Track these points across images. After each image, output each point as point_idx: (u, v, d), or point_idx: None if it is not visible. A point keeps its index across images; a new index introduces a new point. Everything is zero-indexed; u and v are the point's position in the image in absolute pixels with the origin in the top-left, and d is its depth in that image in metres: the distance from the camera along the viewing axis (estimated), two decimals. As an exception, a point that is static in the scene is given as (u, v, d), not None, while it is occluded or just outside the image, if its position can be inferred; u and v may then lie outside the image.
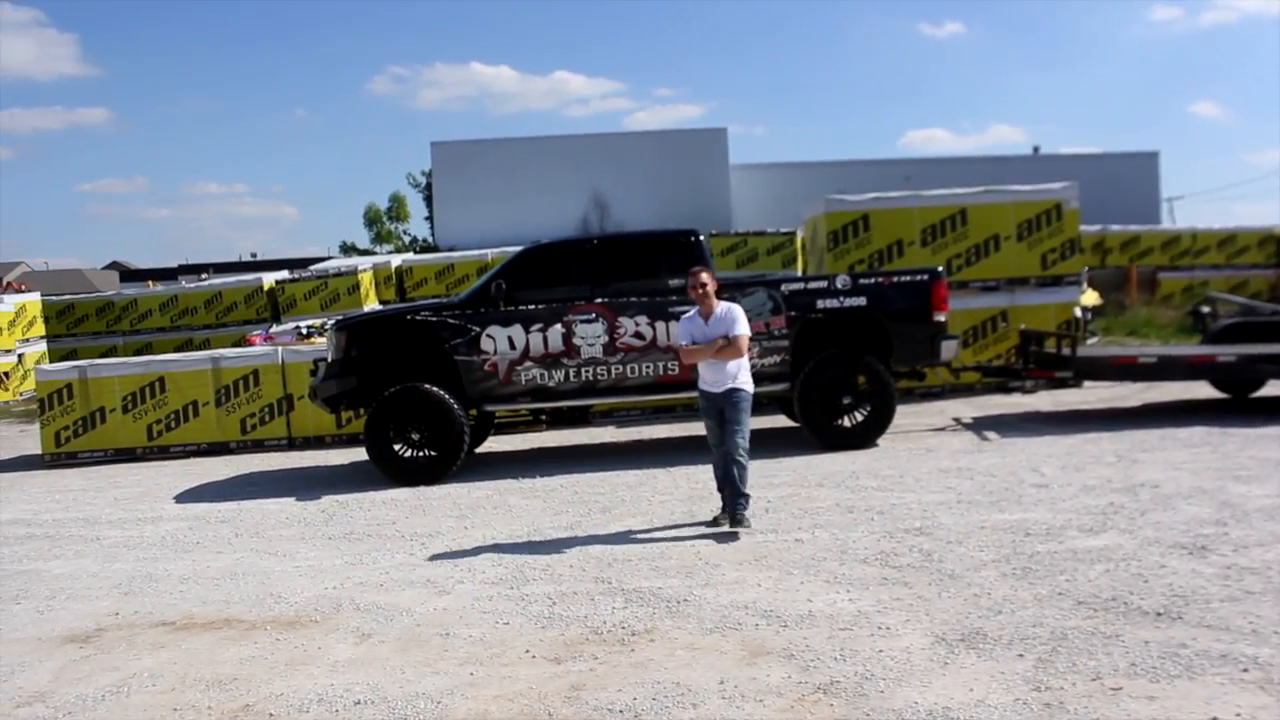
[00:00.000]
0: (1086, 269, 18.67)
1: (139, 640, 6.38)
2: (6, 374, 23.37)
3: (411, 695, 5.16)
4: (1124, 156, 41.79)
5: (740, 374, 7.98)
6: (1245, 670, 4.75)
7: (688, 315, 8.28)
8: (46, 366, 15.34)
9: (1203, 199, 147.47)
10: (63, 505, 11.04)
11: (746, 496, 7.96)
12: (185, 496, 11.06)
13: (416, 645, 5.93)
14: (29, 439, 16.18)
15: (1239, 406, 12.50)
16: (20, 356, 23.89)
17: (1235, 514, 7.45)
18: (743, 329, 7.94)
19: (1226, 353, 12.20)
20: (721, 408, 7.99)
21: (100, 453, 14.04)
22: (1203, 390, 13.22)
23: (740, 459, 7.84)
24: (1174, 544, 6.81)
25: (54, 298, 28.30)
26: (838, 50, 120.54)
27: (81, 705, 5.37)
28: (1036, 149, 47.43)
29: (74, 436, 14.07)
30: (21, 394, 23.22)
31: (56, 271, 71.07)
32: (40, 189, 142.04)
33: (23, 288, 30.21)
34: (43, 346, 24.99)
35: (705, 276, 8.11)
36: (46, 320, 25.87)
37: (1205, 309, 17.70)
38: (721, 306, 8.08)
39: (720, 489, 8.21)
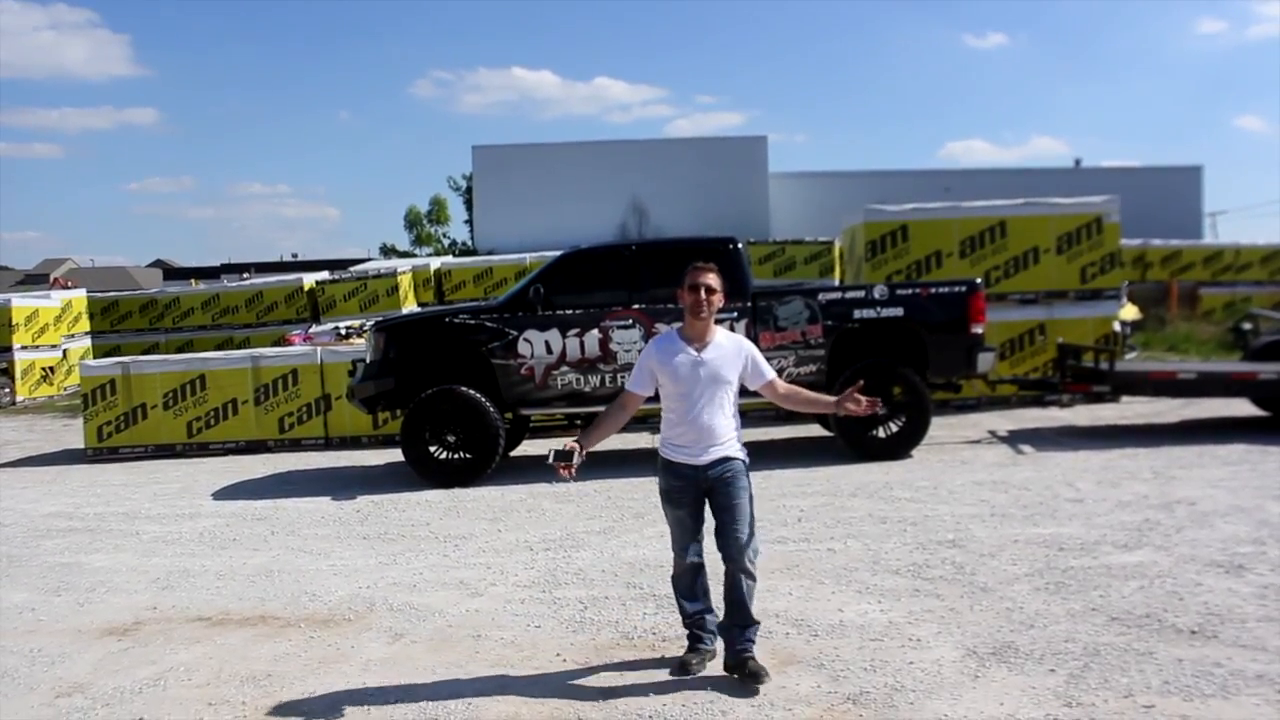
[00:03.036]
0: (1126, 283, 18.54)
1: (176, 635, 6.47)
2: (51, 369, 23.72)
3: (443, 696, 5.20)
4: (1167, 170, 41.46)
5: (737, 434, 5.27)
6: (1280, 691, 4.71)
7: (664, 336, 5.41)
8: (91, 362, 15.54)
9: (1246, 214, 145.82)
10: (103, 499, 11.19)
11: (757, 626, 5.27)
12: (223, 493, 11.19)
13: (448, 646, 5.98)
14: (72, 433, 16.40)
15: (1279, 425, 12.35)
16: (65, 352, 24.25)
17: (1273, 533, 7.38)
18: (772, 373, 5.42)
19: (1268, 370, 12.07)
20: (707, 489, 5.16)
21: (141, 448, 14.21)
22: (1242, 408, 13.08)
23: (749, 567, 5.10)
24: (1210, 562, 6.76)
25: (99, 294, 28.68)
26: (880, 60, 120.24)
27: (119, 697, 5.45)
28: (1078, 161, 47.25)
29: (116, 432, 14.25)
30: (65, 388, 23.56)
31: (102, 268, 72.02)
32: (88, 187, 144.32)
33: (69, 284, 30.68)
34: (87, 342, 25.38)
35: (713, 279, 5.21)
36: (91, 317, 26.28)
37: (1247, 325, 17.57)
38: (727, 338, 5.32)
39: (691, 616, 5.39)
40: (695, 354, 5.16)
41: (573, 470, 5.01)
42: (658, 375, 5.20)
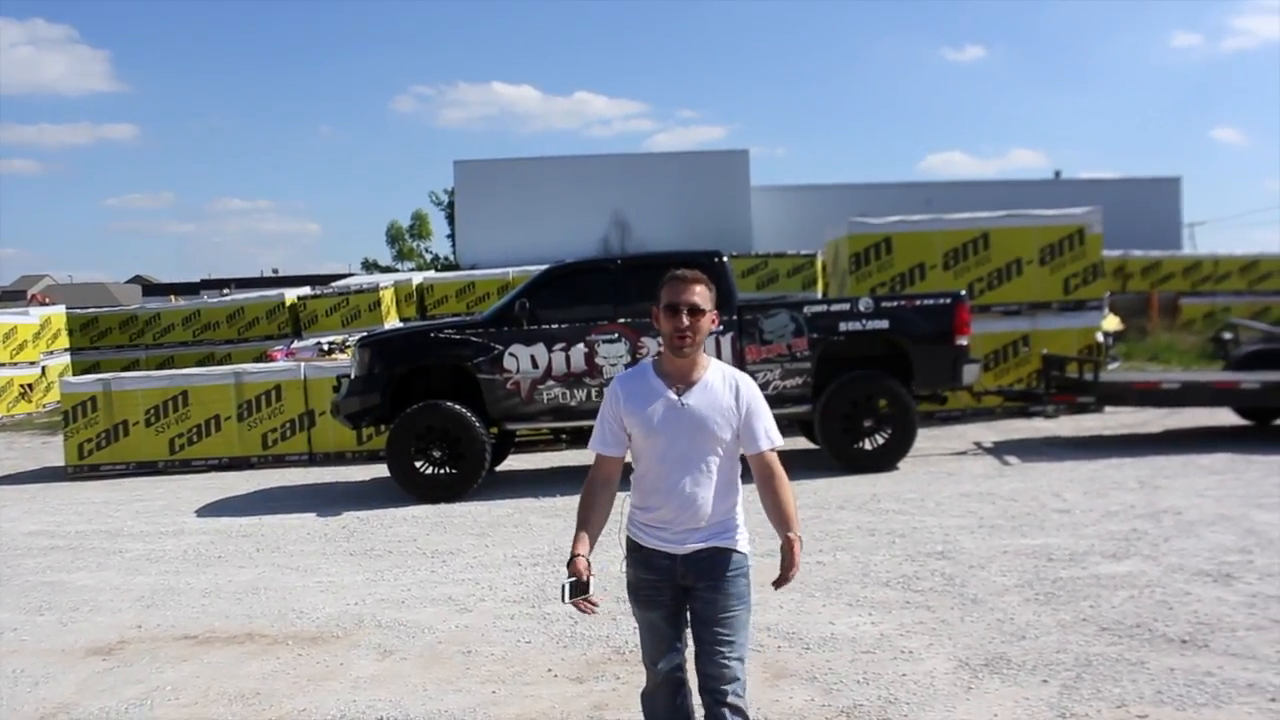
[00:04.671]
0: (1108, 294, 18.62)
1: (162, 654, 6.40)
2: (30, 386, 23.53)
3: (433, 713, 5.17)
4: (1145, 181, 41.62)
5: (737, 514, 3.83)
6: (1273, 700, 4.73)
7: (633, 371, 3.95)
8: (71, 379, 15.43)
9: (1224, 225, 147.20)
10: (85, 517, 11.08)
11: None
12: (207, 510, 11.10)
13: (438, 663, 5.94)
14: (51, 450, 16.26)
15: (1262, 433, 12.43)
16: (44, 369, 24.08)
17: (1260, 541, 7.41)
18: (770, 440, 3.80)
19: (1250, 379, 12.14)
20: (689, 587, 3.77)
21: (122, 465, 14.10)
22: (1225, 417, 13.15)
23: (738, 703, 3.71)
24: (1198, 571, 6.78)
25: (78, 310, 28.51)
26: (860, 73, 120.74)
27: (105, 717, 5.40)
28: (1058, 173, 47.39)
29: (97, 449, 14.14)
30: (44, 405, 23.38)
31: (80, 285, 71.64)
32: (67, 203, 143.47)
33: (48, 301, 30.47)
34: (66, 359, 25.20)
35: (701, 295, 3.73)
36: (70, 333, 26.11)
37: (1227, 335, 17.62)
38: (721, 375, 3.83)
39: None
40: (675, 397, 3.71)
41: (594, 600, 3.69)
42: (625, 423, 3.78)
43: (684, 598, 3.78)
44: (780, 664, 5.55)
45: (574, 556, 3.68)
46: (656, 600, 3.80)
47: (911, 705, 4.90)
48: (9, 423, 22.09)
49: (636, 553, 3.85)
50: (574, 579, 3.65)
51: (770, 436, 3.77)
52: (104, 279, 78.42)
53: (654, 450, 3.74)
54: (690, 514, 3.70)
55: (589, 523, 3.79)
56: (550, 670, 5.67)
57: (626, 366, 10.87)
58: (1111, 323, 18.57)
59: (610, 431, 3.83)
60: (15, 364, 23.30)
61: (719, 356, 11.00)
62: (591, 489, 3.85)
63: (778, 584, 3.66)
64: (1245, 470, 10.05)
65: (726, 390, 3.76)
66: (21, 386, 23.27)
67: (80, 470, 14.08)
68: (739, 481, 3.81)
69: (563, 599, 3.66)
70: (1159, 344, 22.26)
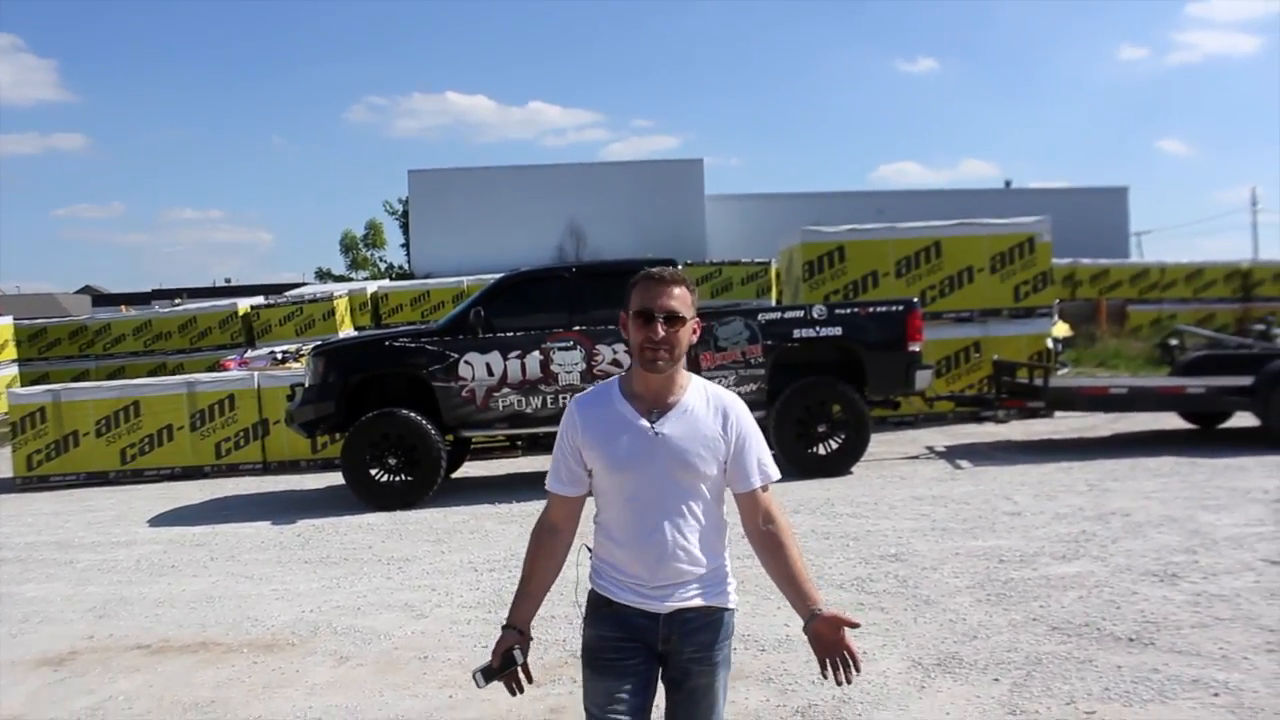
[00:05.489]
0: (1058, 301, 18.90)
1: (114, 664, 6.34)
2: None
3: (390, 718, 5.16)
4: (1094, 191, 42.35)
5: (724, 562, 3.16)
6: (1216, 695, 4.82)
7: (595, 392, 3.24)
8: (19, 390, 15.27)
9: (1170, 234, 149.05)
10: (35, 529, 10.95)
11: None
12: (160, 520, 11.00)
13: (395, 668, 5.93)
14: (-1, 462, 16.05)
15: (1207, 437, 12.63)
16: (-9, 380, 23.71)
17: (1204, 542, 7.54)
18: (763, 475, 3.12)
19: (1195, 385, 12.35)
20: (666, 655, 3.09)
21: (73, 476, 13.95)
22: (1171, 421, 13.37)
23: None
24: (1145, 571, 6.89)
25: (26, 321, 28.15)
26: (813, 84, 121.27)
27: (57, 727, 5.35)
28: (1008, 183, 48.04)
29: (46, 460, 13.98)
30: (-9, 417, 23.03)
31: (28, 295, 70.45)
32: (14, 213, 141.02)
33: (-6, 311, 29.97)
34: (14, 370, 24.80)
35: (681, 300, 3.03)
36: (18, 344, 25.71)
37: (1173, 341, 17.95)
38: (705, 396, 3.12)
39: None
40: (646, 424, 3.02)
41: (522, 678, 3.08)
42: (586, 456, 3.10)
43: (654, 664, 3.08)
44: (736, 666, 5.54)
45: (506, 628, 3.07)
46: (621, 666, 3.04)
47: (865, 705, 4.96)
48: (-45, 434, 21.74)
49: (604, 608, 3.10)
50: (489, 665, 3.04)
51: (765, 470, 3.09)
52: (52, 289, 77.23)
53: (621, 491, 3.05)
54: (670, 565, 3.01)
55: (531, 581, 3.15)
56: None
57: (582, 375, 10.90)
58: (1061, 329, 18.84)
59: (566, 467, 3.14)
60: (-39, 375, 22.96)
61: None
62: (539, 536, 3.20)
63: (838, 677, 2.92)
64: (1190, 473, 10.23)
65: (711, 414, 3.05)
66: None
67: (29, 481, 13.92)
68: (725, 524, 3.13)
69: (478, 684, 3.02)
70: (1107, 350, 22.60)
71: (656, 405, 3.04)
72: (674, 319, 2.98)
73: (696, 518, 3.04)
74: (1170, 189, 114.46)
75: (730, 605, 3.13)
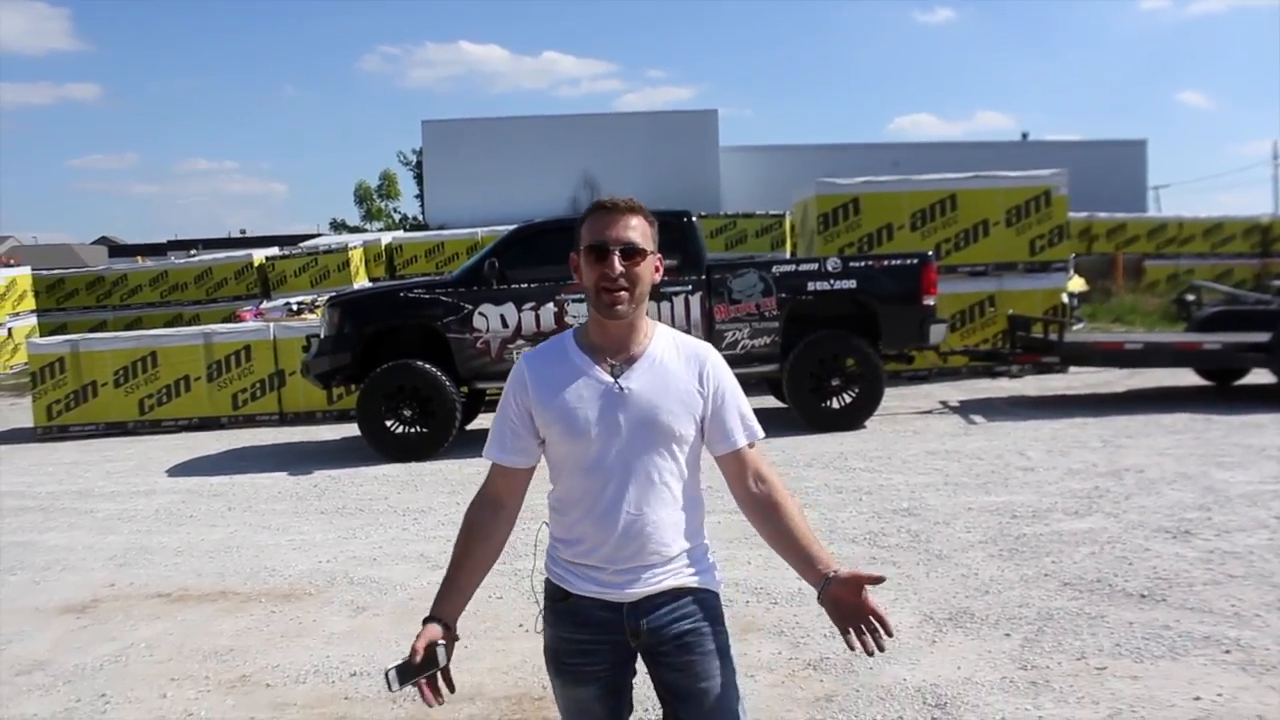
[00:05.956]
0: (1073, 255, 18.80)
1: (135, 611, 6.44)
2: (-5, 347, 23.36)
3: (407, 667, 5.23)
4: (1111, 144, 41.86)
5: (699, 540, 2.73)
6: (1227, 652, 4.84)
7: (546, 346, 2.78)
8: (39, 340, 15.37)
9: (1188, 188, 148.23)
10: (56, 478, 11.07)
11: None
12: (178, 470, 11.11)
13: (411, 618, 5.98)
14: (20, 412, 16.17)
15: (1222, 394, 12.60)
16: (10, 330, 23.88)
17: (1218, 499, 7.55)
18: (747, 433, 2.71)
19: (1211, 340, 12.31)
20: (643, 653, 2.68)
21: (92, 426, 14.07)
22: (1187, 377, 13.33)
23: None
24: (1158, 528, 6.91)
25: (44, 272, 28.29)
26: (829, 34, 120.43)
27: (80, 674, 5.43)
28: (1025, 135, 47.53)
29: (66, 410, 14.09)
30: (11, 367, 23.21)
31: (45, 246, 70.63)
32: (30, 164, 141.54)
33: (12, 262, 30.13)
34: (33, 320, 24.97)
35: (638, 230, 2.62)
36: (36, 294, 25.88)
37: (1190, 297, 17.89)
38: (675, 344, 2.71)
39: None
40: (608, 379, 2.61)
41: (442, 685, 2.56)
42: (538, 421, 2.68)
43: (628, 666, 2.70)
44: (749, 618, 5.64)
45: (430, 621, 2.61)
46: (587, 671, 2.66)
47: (877, 658, 4.92)
48: (-25, 384, 21.93)
49: (561, 602, 2.71)
50: (406, 661, 2.52)
51: (749, 426, 2.70)
52: (69, 240, 77.38)
53: (581, 458, 2.62)
54: (638, 546, 2.59)
55: (463, 567, 2.70)
56: (520, 625, 5.73)
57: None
58: (1076, 284, 18.77)
59: (512, 432, 2.71)
60: (-19, 326, 23.13)
61: (688, 318, 11.22)
62: (476, 514, 2.76)
63: (865, 645, 2.51)
64: (1205, 430, 10.22)
65: (684, 365, 2.66)
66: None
67: (49, 431, 14.04)
68: (702, 498, 2.75)
69: (390, 687, 2.51)
70: (1123, 305, 22.49)
71: (618, 356, 2.63)
72: (632, 252, 2.58)
73: (670, 488, 2.62)
74: (1190, 142, 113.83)
75: (706, 586, 2.69)
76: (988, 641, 5.14)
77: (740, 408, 2.70)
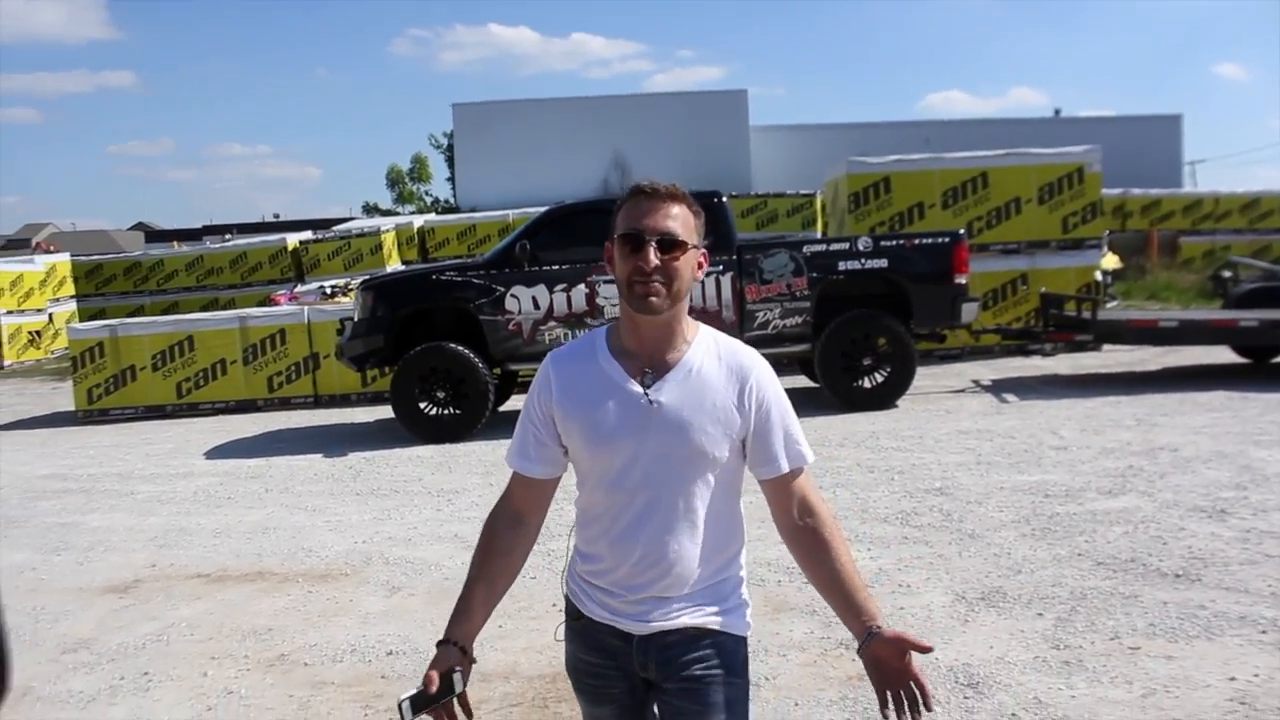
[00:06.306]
0: (1107, 232, 18.64)
1: (176, 591, 6.54)
2: (38, 332, 23.67)
3: (443, 646, 5.28)
4: (1146, 119, 41.33)
5: (732, 573, 2.47)
6: (1264, 632, 4.83)
7: (576, 345, 2.54)
8: (79, 325, 15.57)
9: (1225, 163, 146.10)
10: (97, 460, 11.23)
11: None
12: (215, 453, 11.24)
13: (445, 599, 6.00)
14: (61, 396, 16.40)
15: (1260, 372, 12.48)
16: (50, 316, 24.19)
17: (1255, 478, 7.50)
18: (793, 457, 2.40)
19: (1248, 317, 12.19)
20: (653, 685, 2.43)
21: (131, 410, 14.23)
22: (1223, 355, 13.22)
23: None
24: (1193, 507, 6.87)
25: (83, 258, 28.59)
26: (860, 12, 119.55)
27: (123, 652, 5.53)
28: (1057, 111, 47.11)
29: (105, 394, 14.27)
30: (52, 352, 23.53)
31: (83, 232, 71.46)
32: (68, 151, 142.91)
33: (52, 248, 30.52)
34: (72, 306, 25.29)
35: (679, 219, 2.34)
36: (75, 280, 26.20)
37: (1227, 273, 17.68)
38: (717, 352, 2.40)
39: None
40: (638, 389, 2.34)
41: (459, 711, 2.32)
42: (560, 427, 2.44)
43: (644, 692, 2.46)
44: (781, 598, 5.66)
45: (444, 644, 2.36)
46: (605, 693, 2.48)
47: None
48: (18, 369, 22.25)
49: (575, 621, 2.50)
50: (421, 689, 2.28)
51: (796, 450, 2.39)
52: (107, 226, 78.31)
53: (603, 473, 2.39)
54: (658, 575, 2.34)
55: (478, 586, 2.44)
56: (554, 605, 5.76)
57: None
58: (1110, 261, 18.60)
59: (535, 440, 2.47)
60: (23, 311, 23.42)
61: (719, 298, 11.23)
62: (495, 528, 2.52)
63: (900, 715, 2.25)
64: (1242, 408, 10.14)
65: (724, 376, 2.36)
66: (30, 333, 23.40)
67: (90, 415, 14.22)
68: (742, 519, 2.48)
69: (404, 716, 2.24)
70: (1158, 282, 22.28)
71: (652, 364, 2.35)
72: (671, 244, 2.29)
73: (699, 515, 2.35)
74: (1227, 115, 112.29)
75: (737, 630, 2.41)
76: (1020, 621, 5.14)
77: (787, 428, 2.39)
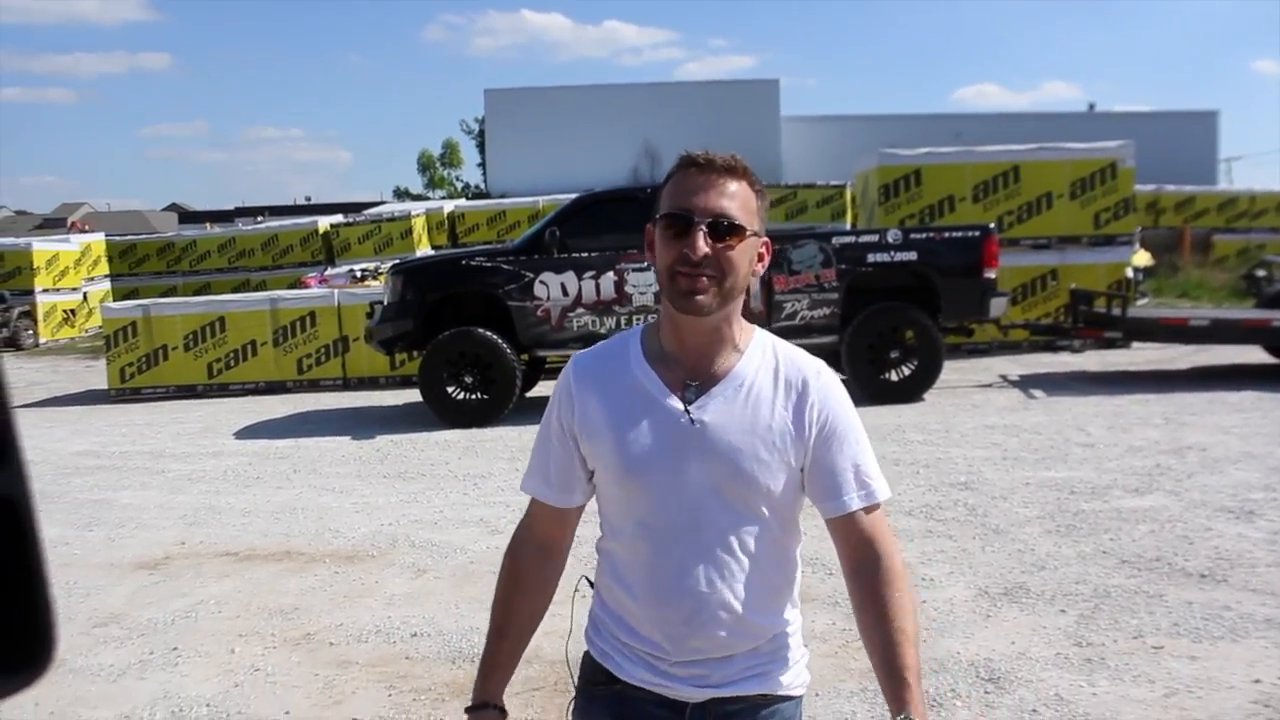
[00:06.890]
0: (1139, 229, 18.51)
1: (205, 569, 6.62)
2: (73, 311, 23.93)
3: (465, 629, 5.32)
4: (1182, 115, 40.96)
5: (787, 622, 1.98)
6: (1288, 634, 4.79)
7: (602, 348, 2.08)
8: (113, 305, 15.74)
9: (1262, 160, 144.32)
10: (129, 438, 11.36)
11: None
12: (245, 433, 11.35)
13: (470, 581, 6.10)
14: (94, 374, 16.59)
15: (1291, 372, 12.39)
16: (85, 295, 24.46)
17: (1283, 479, 7.45)
18: (865, 495, 1.91)
19: (1282, 317, 12.10)
20: None
21: (162, 389, 14.39)
22: (1255, 355, 13.11)
23: None
24: (1220, 507, 6.83)
25: (117, 238, 28.91)
26: (893, 3, 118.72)
27: (153, 627, 5.60)
28: (1092, 106, 46.79)
29: (138, 373, 14.43)
30: (86, 330, 23.79)
31: (118, 213, 71.96)
32: (103, 132, 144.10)
33: (87, 228, 30.80)
34: (107, 285, 25.58)
35: (737, 199, 1.82)
36: (110, 260, 26.48)
37: (1261, 272, 17.58)
38: (774, 354, 1.93)
39: None
40: (678, 406, 1.89)
41: None
42: (583, 449, 2.00)
43: None
44: (804, 589, 5.61)
45: (478, 709, 2.02)
46: None
47: (931, 632, 5.02)
48: (54, 347, 22.52)
49: (602, 686, 2.02)
50: None
51: (866, 483, 1.93)
52: (141, 206, 78.71)
53: (634, 509, 1.96)
54: (705, 636, 1.89)
55: (507, 633, 2.08)
56: (577, 590, 5.82)
57: (655, 297, 10.93)
58: (1142, 258, 18.48)
59: (554, 461, 2.04)
60: (58, 290, 23.69)
61: (747, 289, 11.09)
62: (519, 559, 2.12)
63: None
64: (1273, 408, 10.06)
65: (781, 391, 1.90)
66: (65, 312, 23.66)
67: (122, 393, 14.39)
68: (798, 562, 2.03)
69: None
70: (1190, 280, 22.12)
71: (696, 375, 1.90)
72: (726, 229, 1.81)
73: (753, 558, 1.90)
74: (1264, 112, 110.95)
75: (796, 691, 2.00)
76: (1043, 617, 5.13)
77: (856, 456, 1.92)
